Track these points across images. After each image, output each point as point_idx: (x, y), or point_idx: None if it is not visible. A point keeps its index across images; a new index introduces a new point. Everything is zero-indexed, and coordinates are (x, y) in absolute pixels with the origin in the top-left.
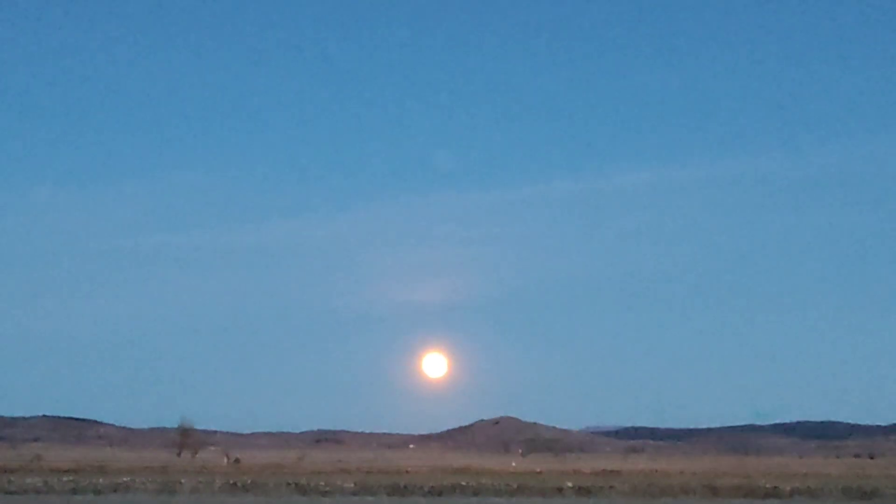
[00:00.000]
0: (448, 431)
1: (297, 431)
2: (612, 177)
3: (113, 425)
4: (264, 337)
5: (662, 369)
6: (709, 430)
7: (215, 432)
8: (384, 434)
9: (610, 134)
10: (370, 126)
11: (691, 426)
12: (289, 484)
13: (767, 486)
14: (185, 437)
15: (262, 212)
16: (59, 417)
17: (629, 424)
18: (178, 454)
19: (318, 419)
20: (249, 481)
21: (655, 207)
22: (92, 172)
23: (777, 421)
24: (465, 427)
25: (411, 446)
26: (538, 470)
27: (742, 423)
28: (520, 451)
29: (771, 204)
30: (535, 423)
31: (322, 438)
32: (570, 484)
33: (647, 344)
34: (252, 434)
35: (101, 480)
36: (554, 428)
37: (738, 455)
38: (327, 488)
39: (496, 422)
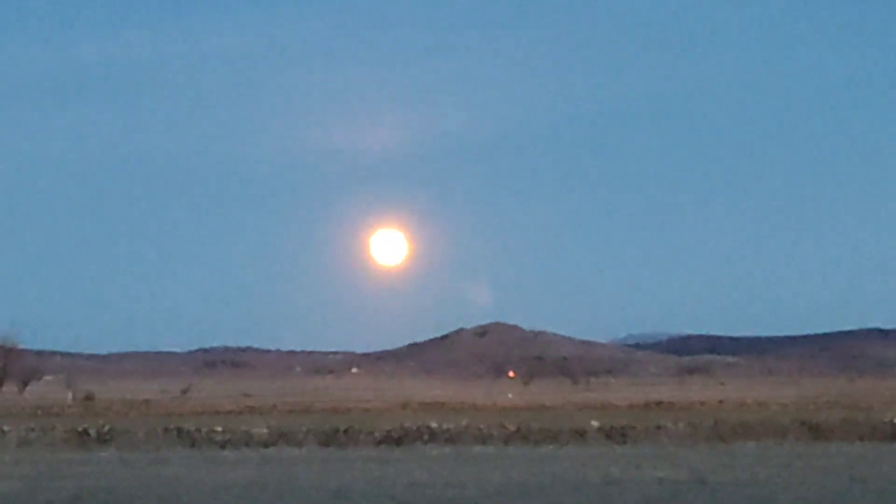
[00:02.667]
0: (409, 347)
1: (180, 351)
2: None
3: None
4: (126, 207)
5: (733, 250)
6: (802, 338)
7: (54, 354)
8: (312, 353)
9: None
10: None
11: (777, 333)
12: (168, 430)
13: (895, 420)
14: (8, 363)
15: (121, 18)
16: None
17: (685, 332)
18: None
19: (210, 333)
20: (107, 428)
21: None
22: None
23: None
24: (436, 340)
25: (354, 370)
26: (547, 403)
27: (851, 326)
28: (517, 374)
29: None
30: (542, 333)
31: (217, 361)
32: (596, 424)
33: (710, 213)
34: (111, 356)
35: None
36: (571, 340)
37: (848, 374)
38: (227, 436)
39: (483, 332)
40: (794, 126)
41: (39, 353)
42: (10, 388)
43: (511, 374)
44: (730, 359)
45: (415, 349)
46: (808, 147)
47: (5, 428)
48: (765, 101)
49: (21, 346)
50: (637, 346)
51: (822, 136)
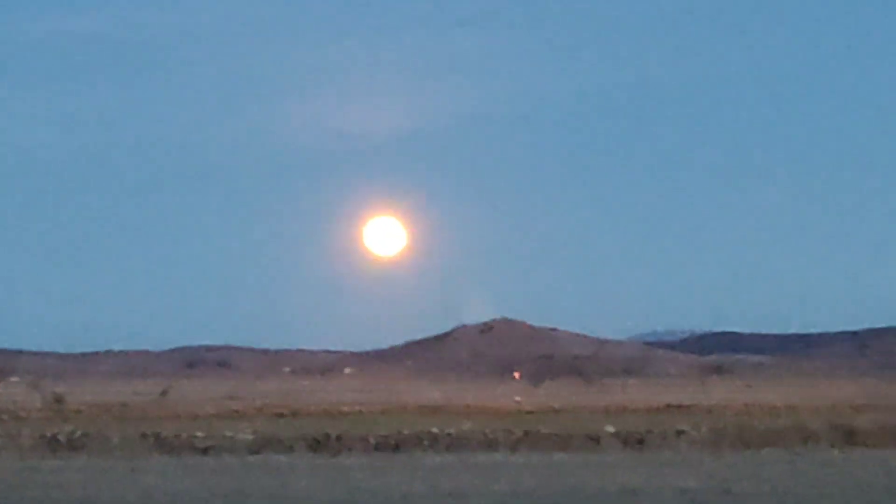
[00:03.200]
0: (408, 346)
1: (159, 350)
2: None
3: None
4: (100, 197)
5: (761, 239)
6: (836, 336)
7: (20, 353)
8: (301, 352)
9: None
10: None
11: (808, 330)
12: (145, 436)
13: None
14: None
15: None
16: None
17: (708, 329)
18: None
19: (190, 330)
20: (79, 433)
21: None
22: None
23: None
24: (437, 338)
25: (347, 371)
26: (558, 407)
27: (889, 323)
28: (525, 375)
29: None
30: (552, 330)
31: (198, 360)
32: (611, 429)
33: (737, 199)
34: (84, 356)
35: None
36: (584, 337)
37: (885, 375)
38: (209, 442)
39: (487, 328)
40: (825, 114)
41: (5, 352)
42: None
43: (517, 374)
44: (757, 358)
45: (413, 348)
46: (840, 134)
47: None
48: (797, 87)
49: None
50: (656, 344)
51: (855, 124)
